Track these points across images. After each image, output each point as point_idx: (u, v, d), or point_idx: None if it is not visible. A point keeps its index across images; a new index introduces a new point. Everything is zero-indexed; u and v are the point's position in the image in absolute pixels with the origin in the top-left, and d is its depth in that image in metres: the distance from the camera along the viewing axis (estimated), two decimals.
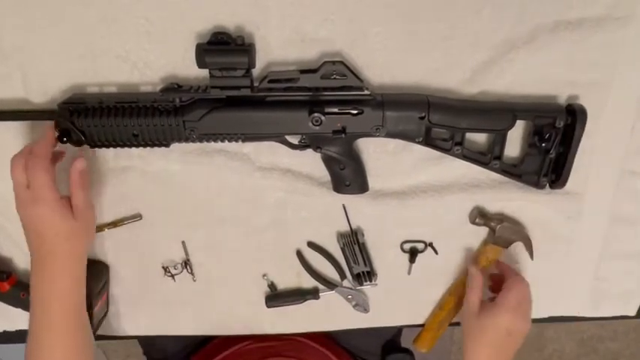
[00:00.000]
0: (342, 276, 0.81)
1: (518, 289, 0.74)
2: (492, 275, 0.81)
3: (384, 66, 0.69)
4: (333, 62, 0.64)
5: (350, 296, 0.83)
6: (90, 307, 0.74)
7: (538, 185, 0.73)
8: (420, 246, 0.81)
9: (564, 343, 1.95)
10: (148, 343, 1.05)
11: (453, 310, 0.83)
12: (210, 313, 0.85)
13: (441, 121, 0.67)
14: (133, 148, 0.68)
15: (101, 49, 0.66)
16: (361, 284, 0.81)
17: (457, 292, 0.82)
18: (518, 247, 0.79)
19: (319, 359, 0.92)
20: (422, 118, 0.67)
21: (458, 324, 0.84)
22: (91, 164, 0.72)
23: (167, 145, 0.68)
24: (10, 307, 0.77)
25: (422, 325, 0.87)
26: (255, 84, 0.66)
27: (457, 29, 0.67)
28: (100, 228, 0.76)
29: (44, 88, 0.68)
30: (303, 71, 0.65)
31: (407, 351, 1.01)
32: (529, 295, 0.75)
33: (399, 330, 1.02)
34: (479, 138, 0.73)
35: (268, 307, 0.83)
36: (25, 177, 0.62)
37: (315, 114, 0.65)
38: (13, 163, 0.63)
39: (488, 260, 0.79)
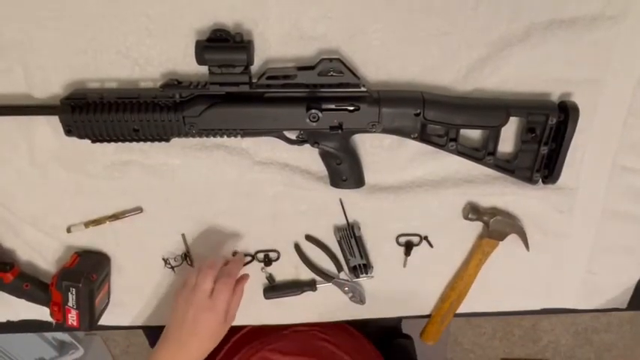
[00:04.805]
0: (339, 268, 0.83)
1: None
2: None
3: (381, 63, 0.70)
4: (330, 59, 0.65)
5: (346, 288, 0.84)
6: (92, 299, 0.75)
7: (531, 180, 0.74)
8: (416, 239, 0.82)
9: (559, 334, 1.97)
10: (152, 333, 1.06)
11: (456, 303, 0.85)
12: None
13: (436, 117, 0.68)
14: (134, 143, 0.69)
15: (102, 45, 0.67)
16: (357, 276, 0.83)
17: (458, 286, 0.84)
18: (514, 240, 0.80)
19: (336, 330, 0.93)
20: (417, 114, 0.67)
21: (459, 315, 0.87)
22: (91, 158, 0.74)
23: (167, 140, 0.69)
24: (14, 298, 0.79)
25: (417, 317, 0.89)
26: (254, 80, 0.66)
27: (453, 27, 0.68)
28: (101, 221, 0.77)
29: (46, 84, 0.69)
30: (300, 68, 0.66)
31: (407, 336, 1.04)
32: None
33: (399, 317, 1.04)
34: (473, 134, 0.74)
35: (266, 298, 0.85)
36: (211, 287, 0.72)
37: (313, 110, 0.65)
38: (204, 271, 0.73)
39: (484, 254, 0.81)
